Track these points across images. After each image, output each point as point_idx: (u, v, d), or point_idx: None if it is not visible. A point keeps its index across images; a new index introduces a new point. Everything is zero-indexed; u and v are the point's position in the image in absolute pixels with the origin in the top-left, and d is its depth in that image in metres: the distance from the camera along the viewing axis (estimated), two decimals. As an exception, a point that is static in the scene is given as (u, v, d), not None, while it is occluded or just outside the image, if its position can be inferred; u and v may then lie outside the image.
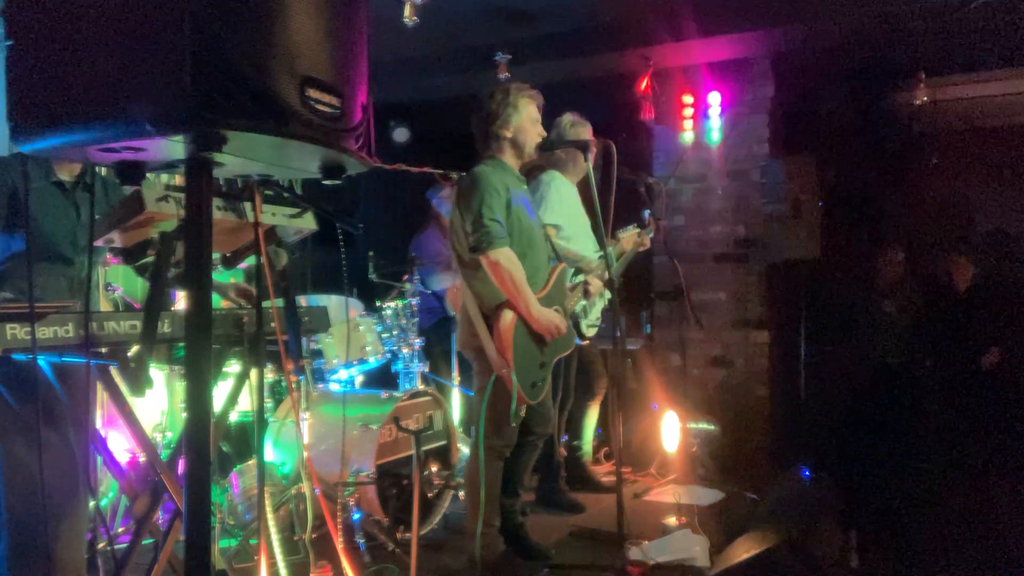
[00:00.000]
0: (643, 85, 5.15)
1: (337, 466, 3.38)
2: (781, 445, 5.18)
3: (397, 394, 3.76)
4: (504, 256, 2.95)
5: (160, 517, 2.59)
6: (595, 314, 3.88)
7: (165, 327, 1.93)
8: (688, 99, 5.37)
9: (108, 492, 3.37)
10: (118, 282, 3.69)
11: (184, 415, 1.32)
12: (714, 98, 5.29)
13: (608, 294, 3.75)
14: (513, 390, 2.96)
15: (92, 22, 1.07)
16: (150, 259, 1.93)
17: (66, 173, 2.49)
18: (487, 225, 2.94)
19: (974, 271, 5.47)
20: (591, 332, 3.86)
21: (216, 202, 1.86)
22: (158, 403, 3.54)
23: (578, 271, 3.62)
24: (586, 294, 3.51)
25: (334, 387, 3.95)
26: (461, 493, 3.68)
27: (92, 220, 2.09)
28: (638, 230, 3.94)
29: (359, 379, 4.15)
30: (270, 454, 3.66)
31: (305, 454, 3.41)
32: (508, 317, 2.97)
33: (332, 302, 3.99)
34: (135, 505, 2.13)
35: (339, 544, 2.59)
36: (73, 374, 2.05)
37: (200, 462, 1.20)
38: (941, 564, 3.62)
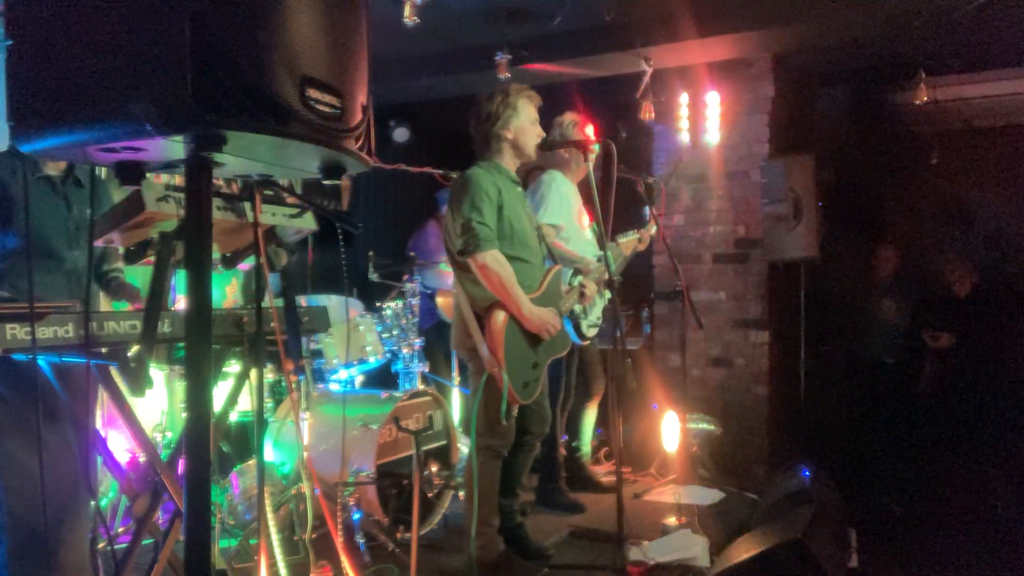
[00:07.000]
0: (643, 85, 5.14)
1: (337, 466, 3.38)
2: (781, 445, 5.17)
3: (397, 394, 3.76)
4: (491, 258, 2.95)
5: (160, 517, 2.59)
6: (596, 314, 3.87)
7: (165, 327, 1.93)
8: (687, 99, 5.36)
9: (108, 492, 3.37)
10: (118, 282, 3.68)
11: (184, 415, 1.32)
12: (714, 98, 5.28)
13: (608, 293, 3.74)
14: (504, 389, 2.96)
15: (92, 22, 1.07)
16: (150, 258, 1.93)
17: (53, 168, 2.47)
18: (475, 228, 2.95)
19: (974, 278, 5.47)
20: (592, 332, 3.84)
21: (216, 202, 1.86)
22: (158, 403, 3.54)
23: (576, 272, 3.61)
24: (582, 297, 3.49)
25: (334, 387, 3.95)
26: (461, 493, 3.68)
27: (92, 217, 2.09)
28: (638, 236, 3.93)
29: (359, 379, 4.15)
30: (270, 454, 3.66)
31: (305, 454, 3.41)
32: (500, 317, 2.98)
33: (332, 302, 3.99)
34: (135, 505, 2.13)
35: (339, 544, 2.59)
36: (73, 374, 2.05)
37: (200, 462, 1.20)
38: (941, 563, 3.63)
